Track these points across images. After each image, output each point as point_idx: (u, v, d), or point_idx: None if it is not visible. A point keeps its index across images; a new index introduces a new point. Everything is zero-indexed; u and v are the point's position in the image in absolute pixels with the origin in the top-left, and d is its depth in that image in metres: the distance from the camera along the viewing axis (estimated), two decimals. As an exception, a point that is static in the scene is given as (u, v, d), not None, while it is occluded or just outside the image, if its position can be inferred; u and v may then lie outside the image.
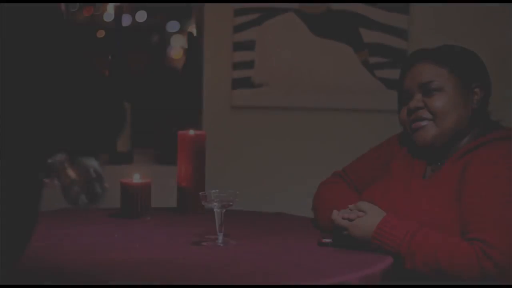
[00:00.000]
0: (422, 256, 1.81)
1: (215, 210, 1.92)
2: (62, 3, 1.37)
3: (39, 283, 1.54)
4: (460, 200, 1.91)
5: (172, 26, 5.90)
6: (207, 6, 3.22)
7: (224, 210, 1.92)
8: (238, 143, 3.24)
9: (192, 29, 3.48)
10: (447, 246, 1.80)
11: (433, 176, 2.03)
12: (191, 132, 2.36)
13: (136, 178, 2.29)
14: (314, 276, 1.61)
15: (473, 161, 1.96)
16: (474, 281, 1.77)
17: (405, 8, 3.22)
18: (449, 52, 2.08)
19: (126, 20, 5.28)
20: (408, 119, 2.09)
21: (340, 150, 3.19)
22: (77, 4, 5.23)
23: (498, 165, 1.91)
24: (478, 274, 1.77)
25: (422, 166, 2.09)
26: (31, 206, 1.35)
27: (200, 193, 1.97)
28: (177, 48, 5.90)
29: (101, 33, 5.19)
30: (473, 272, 1.77)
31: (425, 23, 3.23)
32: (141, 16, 5.72)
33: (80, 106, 1.35)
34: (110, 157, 3.16)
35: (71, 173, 1.60)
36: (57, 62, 1.31)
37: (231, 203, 1.93)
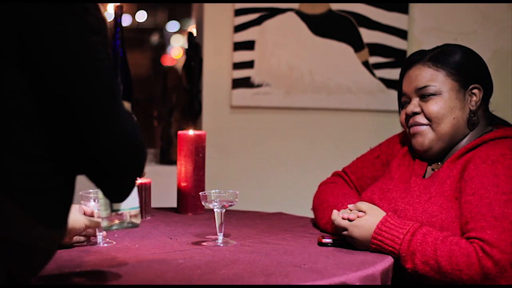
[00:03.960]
0: (422, 256, 1.81)
1: (215, 210, 1.92)
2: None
3: (39, 283, 1.54)
4: (459, 199, 1.91)
5: (172, 26, 5.90)
6: (207, 6, 3.22)
7: (224, 210, 1.92)
8: (238, 143, 3.25)
9: (192, 29, 3.48)
10: (447, 245, 1.80)
11: (433, 176, 2.03)
12: (191, 132, 2.36)
13: (136, 178, 2.29)
14: (314, 276, 1.61)
15: (472, 160, 1.96)
16: (474, 279, 1.77)
17: (405, 8, 3.22)
18: (447, 53, 2.08)
19: (126, 20, 5.27)
20: (406, 123, 2.10)
21: (340, 150, 3.20)
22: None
23: (497, 164, 1.91)
24: (478, 273, 1.77)
25: (422, 166, 2.10)
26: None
27: (200, 193, 1.97)
28: (177, 48, 5.90)
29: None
30: (473, 271, 1.77)
31: (425, 23, 3.23)
32: (141, 16, 5.72)
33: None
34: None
35: None
36: None
37: (231, 203, 1.93)
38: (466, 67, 2.06)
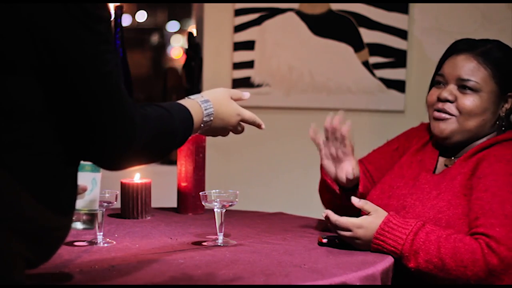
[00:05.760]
0: (425, 254, 1.80)
1: (215, 210, 1.92)
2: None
3: (39, 283, 1.54)
4: (469, 196, 1.91)
5: (172, 26, 5.90)
6: (207, 6, 3.22)
7: (224, 210, 1.92)
8: (238, 143, 3.25)
9: (192, 29, 3.48)
10: (451, 242, 1.80)
11: (444, 172, 2.03)
12: (191, 132, 2.36)
13: (136, 178, 2.29)
14: (314, 276, 1.61)
15: (486, 158, 1.96)
16: (479, 276, 1.77)
17: (405, 8, 3.22)
18: (497, 53, 2.05)
19: (126, 20, 5.27)
20: (434, 104, 2.07)
21: (340, 150, 3.19)
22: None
23: (511, 163, 1.91)
24: (483, 269, 1.77)
25: (433, 160, 2.09)
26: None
27: (200, 193, 1.97)
28: (177, 48, 5.90)
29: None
30: (478, 267, 1.77)
31: (425, 23, 3.23)
32: (141, 16, 5.72)
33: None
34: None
35: None
36: None
37: (231, 203, 1.93)
38: (511, 73, 2.05)
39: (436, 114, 2.05)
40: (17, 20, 1.27)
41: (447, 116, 2.04)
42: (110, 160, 1.42)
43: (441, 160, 2.10)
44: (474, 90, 2.02)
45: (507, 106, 2.05)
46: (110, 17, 1.36)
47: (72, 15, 1.29)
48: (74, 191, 1.40)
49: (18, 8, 1.27)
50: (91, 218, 1.79)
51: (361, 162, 2.29)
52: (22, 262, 1.32)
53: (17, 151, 1.29)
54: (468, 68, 2.03)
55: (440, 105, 2.05)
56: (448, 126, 2.04)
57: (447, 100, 2.04)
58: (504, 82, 2.03)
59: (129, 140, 1.38)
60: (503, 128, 2.05)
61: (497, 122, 2.05)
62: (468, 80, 2.02)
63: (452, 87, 2.04)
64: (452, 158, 2.08)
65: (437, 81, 2.09)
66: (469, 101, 2.02)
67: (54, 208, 1.34)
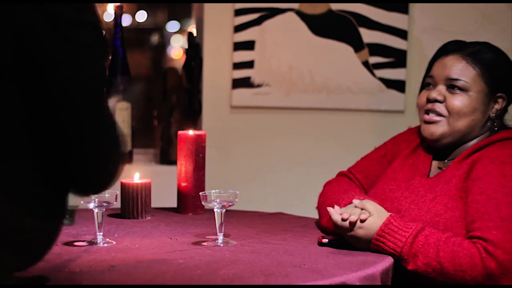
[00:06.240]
0: (424, 257, 1.80)
1: (215, 210, 1.92)
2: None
3: (39, 283, 1.54)
4: (465, 198, 1.91)
5: (172, 26, 5.89)
6: (207, 6, 3.22)
7: (224, 210, 1.92)
8: (238, 143, 3.25)
9: (192, 29, 3.48)
10: (450, 246, 1.80)
11: (439, 175, 2.03)
12: (191, 132, 2.36)
13: (136, 178, 2.29)
14: (314, 276, 1.61)
15: (480, 160, 1.96)
16: (477, 280, 1.77)
17: (405, 8, 3.22)
18: (487, 54, 2.06)
19: (126, 20, 5.27)
20: (424, 106, 2.08)
21: (339, 150, 3.20)
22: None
23: (506, 165, 1.91)
24: (481, 274, 1.76)
25: (426, 165, 2.09)
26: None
27: (200, 193, 1.97)
28: (177, 48, 5.90)
29: (101, 33, 5.17)
30: (476, 272, 1.77)
31: (425, 23, 3.23)
32: (141, 16, 5.72)
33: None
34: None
35: None
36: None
37: (231, 203, 1.93)
38: (500, 74, 2.05)
39: (426, 117, 2.06)
40: (12, 27, 1.27)
41: (436, 118, 2.04)
42: (89, 173, 1.40)
43: (435, 163, 2.10)
44: (463, 89, 2.02)
45: (497, 106, 2.05)
46: (99, 23, 1.35)
47: (54, 26, 1.28)
48: (63, 198, 1.40)
49: (16, 16, 1.27)
50: (71, 214, 1.78)
51: (349, 172, 2.29)
52: (10, 267, 1.31)
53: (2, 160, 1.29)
54: (457, 68, 2.04)
55: (429, 105, 2.06)
56: (438, 129, 2.04)
57: (436, 101, 2.04)
58: (494, 83, 2.03)
59: (108, 151, 1.38)
60: (495, 129, 2.05)
61: (488, 123, 2.05)
62: (457, 79, 2.03)
63: (441, 88, 2.05)
64: (446, 160, 2.08)
65: (427, 83, 2.11)
66: (458, 100, 2.02)
67: (41, 218, 1.33)
